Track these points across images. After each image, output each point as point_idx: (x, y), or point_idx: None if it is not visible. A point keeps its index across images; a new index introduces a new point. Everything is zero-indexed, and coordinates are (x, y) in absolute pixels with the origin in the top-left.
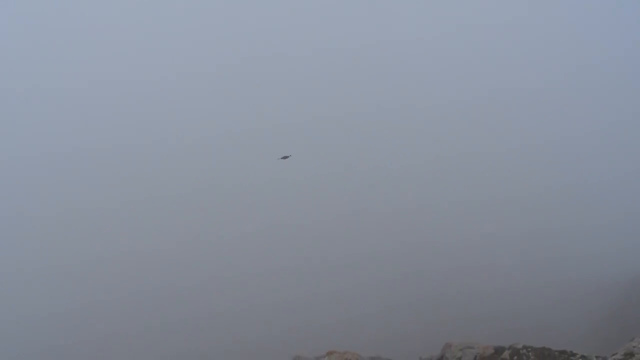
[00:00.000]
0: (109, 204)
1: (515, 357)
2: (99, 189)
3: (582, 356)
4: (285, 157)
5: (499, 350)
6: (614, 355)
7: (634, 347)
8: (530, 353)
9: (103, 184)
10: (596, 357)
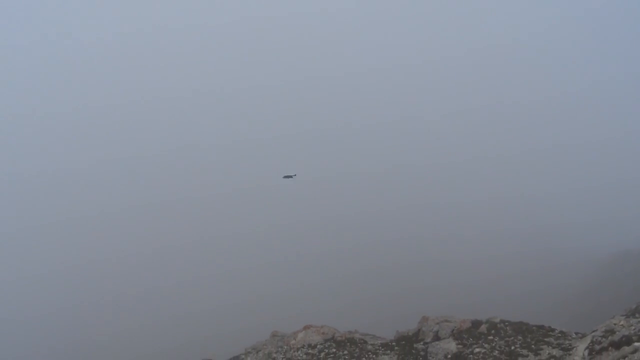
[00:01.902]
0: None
1: (493, 331)
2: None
3: (561, 332)
4: (288, 177)
5: (476, 324)
6: (593, 331)
7: (614, 324)
8: (507, 327)
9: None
10: (575, 333)
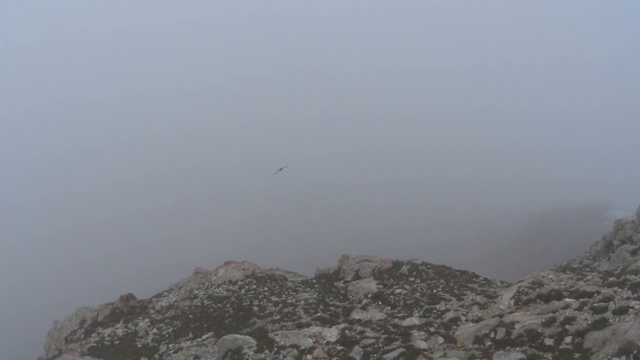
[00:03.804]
0: None
1: (414, 273)
2: None
3: (485, 279)
4: (281, 169)
5: (397, 265)
6: (520, 282)
7: (542, 277)
8: (429, 270)
9: None
10: (500, 282)
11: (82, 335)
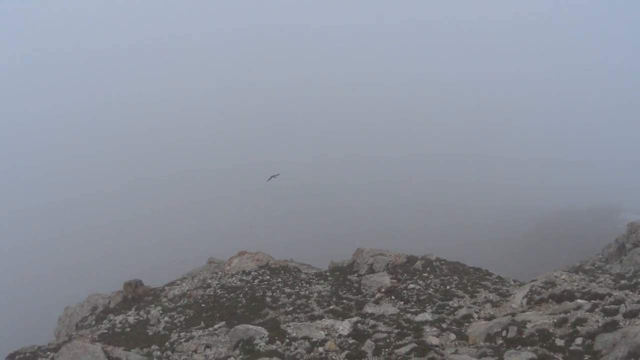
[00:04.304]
0: None
1: (428, 268)
2: None
3: (499, 277)
4: (274, 176)
5: (411, 260)
6: (533, 281)
7: (555, 276)
8: (443, 266)
9: None
10: (513, 280)
11: (93, 322)
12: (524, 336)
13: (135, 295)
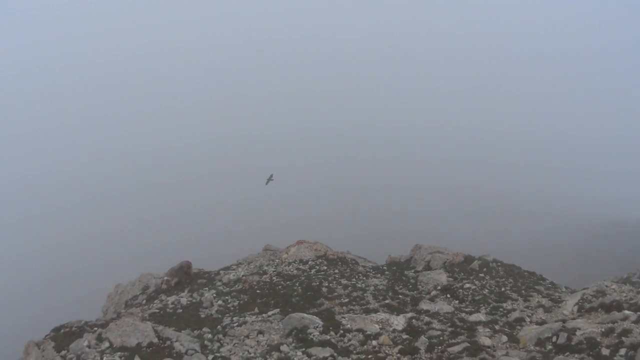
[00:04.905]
0: None
1: (485, 269)
2: None
3: (552, 282)
4: (271, 179)
5: (468, 260)
6: (584, 289)
7: (606, 286)
8: (499, 267)
9: None
10: (565, 287)
11: (144, 301)
12: (572, 343)
13: (187, 277)
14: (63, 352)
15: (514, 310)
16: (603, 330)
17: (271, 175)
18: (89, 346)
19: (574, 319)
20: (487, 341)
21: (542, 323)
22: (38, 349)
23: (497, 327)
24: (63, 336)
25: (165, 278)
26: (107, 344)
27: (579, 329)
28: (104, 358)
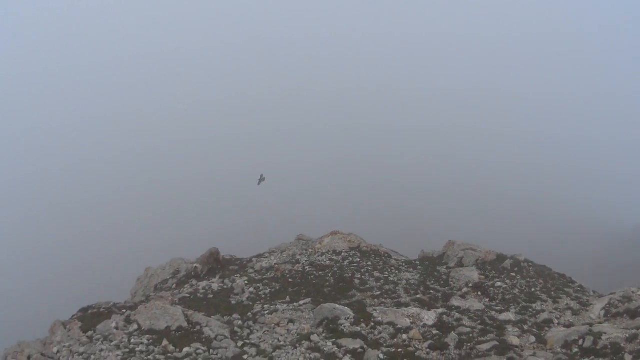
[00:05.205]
0: None
1: (516, 269)
2: None
3: (580, 286)
4: (262, 179)
5: (500, 258)
6: (612, 294)
7: (633, 292)
8: (530, 268)
9: None
10: (593, 291)
11: (174, 285)
12: (598, 347)
13: (218, 264)
14: (90, 333)
15: (543, 311)
16: (627, 335)
17: (262, 175)
18: (116, 327)
19: (600, 323)
20: (515, 341)
21: (569, 326)
22: (64, 329)
23: (525, 327)
24: (90, 317)
25: (195, 266)
26: (135, 326)
27: (605, 333)
28: (132, 340)
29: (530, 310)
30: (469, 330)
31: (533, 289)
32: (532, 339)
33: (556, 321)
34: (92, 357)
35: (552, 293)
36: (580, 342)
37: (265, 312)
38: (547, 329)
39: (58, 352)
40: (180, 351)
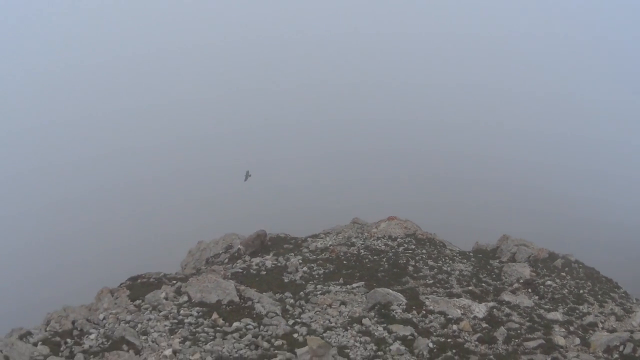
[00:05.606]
0: None
1: (567, 268)
2: None
3: (625, 292)
4: (248, 175)
5: (552, 257)
6: None
7: None
8: (580, 269)
9: None
10: (636, 299)
11: (226, 260)
12: (637, 355)
13: (262, 246)
14: (138, 302)
15: (589, 314)
16: None
17: (247, 172)
18: (166, 298)
19: None
20: (561, 341)
21: (612, 331)
22: (112, 296)
23: (571, 328)
24: (139, 286)
25: (239, 247)
26: (185, 298)
27: None
28: (181, 311)
29: (577, 312)
30: (517, 326)
31: (581, 291)
32: (577, 340)
33: (600, 325)
34: (139, 325)
35: (599, 296)
36: (621, 348)
37: (318, 293)
38: (591, 332)
39: (104, 318)
40: (230, 325)
